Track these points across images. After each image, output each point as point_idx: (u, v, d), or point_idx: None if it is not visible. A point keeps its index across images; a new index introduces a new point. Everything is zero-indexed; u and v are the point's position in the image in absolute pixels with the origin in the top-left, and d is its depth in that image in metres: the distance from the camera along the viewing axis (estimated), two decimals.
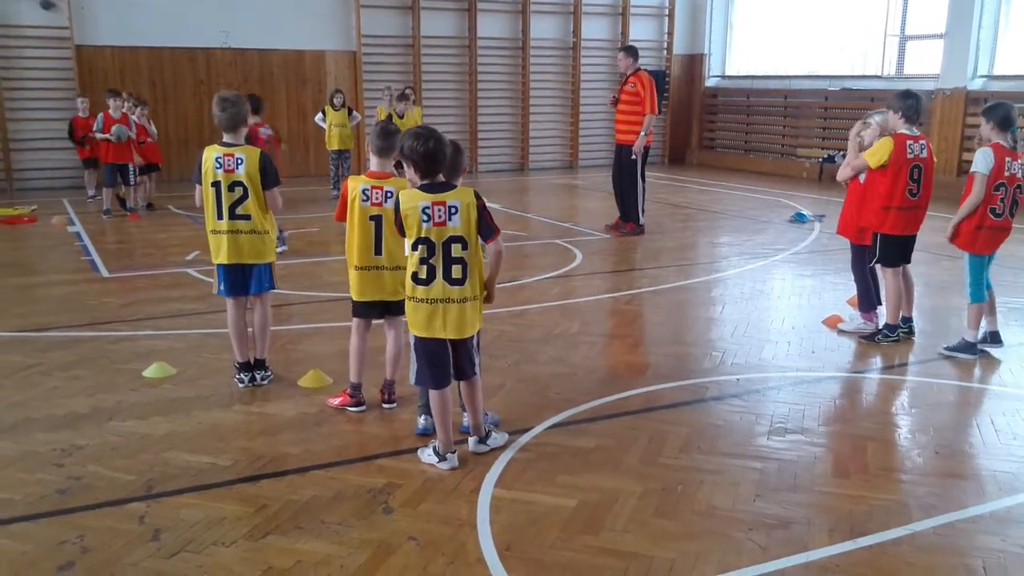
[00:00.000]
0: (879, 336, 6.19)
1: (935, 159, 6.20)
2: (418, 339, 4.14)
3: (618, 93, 10.62)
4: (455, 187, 4.04)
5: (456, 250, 3.99)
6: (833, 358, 5.94)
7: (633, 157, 10.34)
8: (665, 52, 19.09)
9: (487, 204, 4.11)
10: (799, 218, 11.53)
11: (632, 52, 10.53)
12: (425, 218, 3.94)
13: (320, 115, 13.70)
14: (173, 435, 4.57)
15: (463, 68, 17.23)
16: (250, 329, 5.34)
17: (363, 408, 4.90)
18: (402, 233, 4.06)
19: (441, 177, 4.05)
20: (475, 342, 4.30)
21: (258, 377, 5.30)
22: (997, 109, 5.74)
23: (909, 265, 6.26)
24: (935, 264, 8.52)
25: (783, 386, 5.41)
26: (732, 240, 10.35)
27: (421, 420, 4.56)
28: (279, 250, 9.50)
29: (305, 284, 7.86)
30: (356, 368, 4.90)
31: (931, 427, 4.76)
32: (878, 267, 6.23)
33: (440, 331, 4.07)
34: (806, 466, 4.24)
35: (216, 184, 4.99)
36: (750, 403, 5.08)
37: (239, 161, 4.97)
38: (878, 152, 5.92)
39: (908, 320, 6.23)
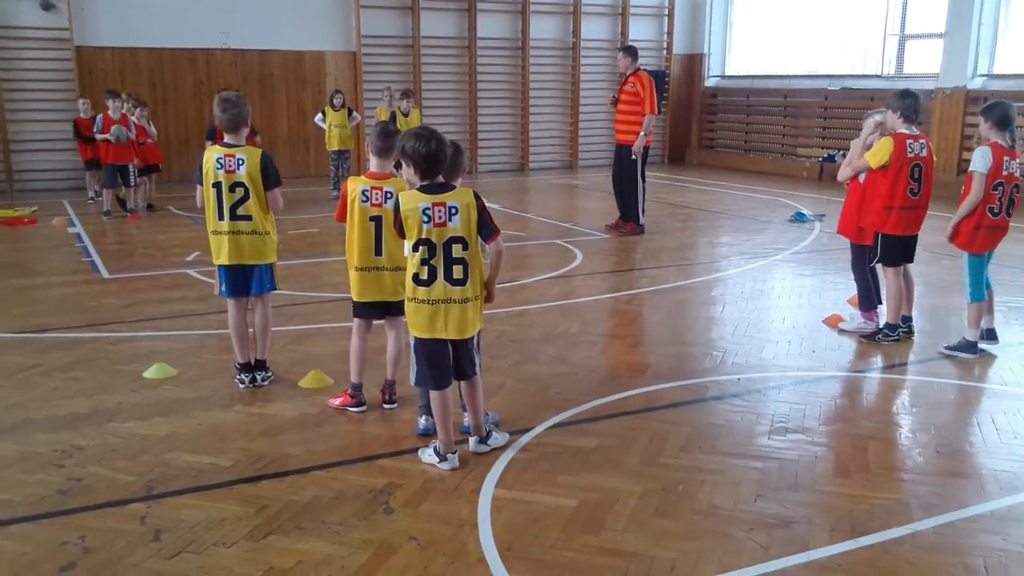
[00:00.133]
0: (880, 335, 6.19)
1: (935, 158, 6.20)
2: (418, 340, 4.14)
3: (618, 93, 10.62)
4: (454, 188, 4.04)
5: (457, 250, 3.99)
6: (834, 357, 5.94)
7: (633, 157, 10.34)
8: (665, 52, 19.09)
9: (486, 204, 4.11)
10: (799, 218, 11.53)
11: (632, 52, 10.53)
12: (426, 219, 3.94)
13: (320, 116, 13.71)
14: (174, 436, 4.57)
15: (463, 68, 17.23)
16: (251, 330, 5.34)
17: (364, 408, 4.90)
18: (401, 235, 4.06)
19: (441, 178, 4.05)
20: (475, 342, 4.30)
21: (259, 378, 5.30)
22: (995, 108, 5.74)
23: (909, 264, 6.26)
24: (935, 263, 8.52)
25: (784, 385, 5.41)
26: (732, 240, 10.35)
27: (422, 420, 4.56)
28: None
29: (306, 285, 7.86)
30: (357, 368, 4.90)
31: (932, 426, 4.76)
32: (879, 266, 6.24)
33: (442, 332, 4.07)
34: (807, 465, 4.24)
35: (217, 185, 4.99)
36: (751, 403, 5.08)
37: (240, 162, 4.97)
38: (878, 152, 5.92)
39: (908, 319, 6.23)
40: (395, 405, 4.93)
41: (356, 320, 4.88)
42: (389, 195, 4.52)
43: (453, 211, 3.96)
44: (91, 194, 13.01)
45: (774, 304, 7.40)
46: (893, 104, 5.99)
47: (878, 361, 5.91)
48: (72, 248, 9.70)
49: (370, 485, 4.01)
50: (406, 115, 13.01)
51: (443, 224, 3.96)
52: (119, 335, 6.38)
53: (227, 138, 5.07)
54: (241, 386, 5.26)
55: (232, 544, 3.50)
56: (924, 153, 5.96)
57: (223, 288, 5.21)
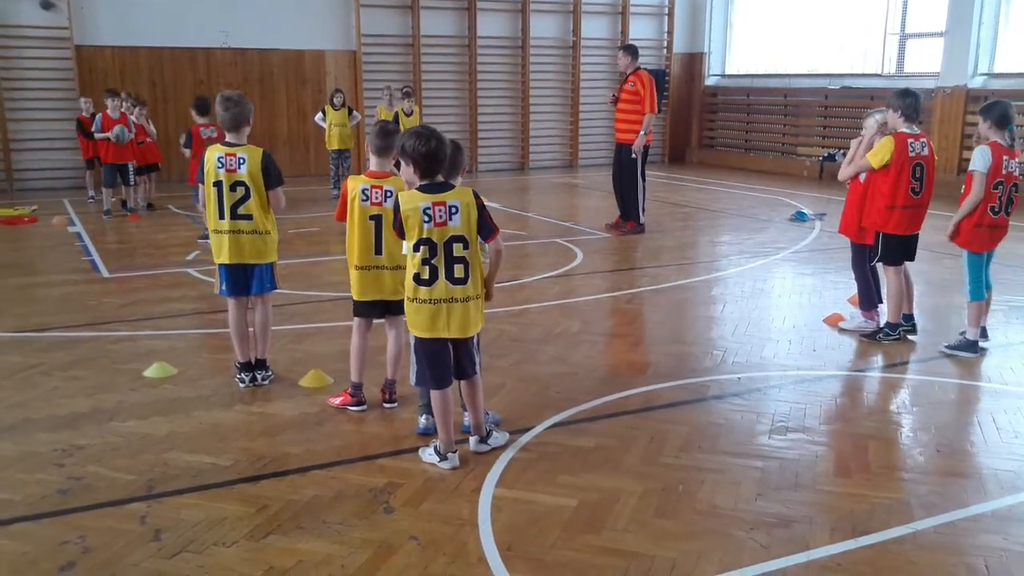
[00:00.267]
0: (880, 334, 6.19)
1: (936, 157, 6.20)
2: (419, 340, 4.14)
3: (618, 92, 10.62)
4: (453, 187, 4.04)
5: (458, 250, 3.98)
6: (834, 356, 5.94)
7: (633, 156, 10.33)
8: (665, 51, 19.09)
9: (485, 204, 4.11)
10: (800, 217, 11.52)
11: (632, 51, 10.53)
12: (426, 219, 3.93)
13: (320, 115, 13.70)
14: (174, 435, 4.57)
15: (463, 67, 17.22)
16: (251, 329, 5.34)
17: (364, 408, 4.90)
18: (401, 235, 4.05)
19: (440, 177, 4.05)
20: (476, 341, 4.30)
21: (259, 377, 5.30)
22: (994, 107, 5.75)
23: (909, 263, 6.26)
24: (936, 263, 8.52)
25: (784, 385, 5.40)
26: (732, 239, 10.35)
27: (422, 420, 4.56)
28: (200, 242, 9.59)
29: (306, 284, 7.86)
30: (357, 368, 4.90)
31: (932, 425, 4.75)
32: (880, 265, 6.23)
33: (444, 331, 4.06)
34: (807, 465, 4.24)
35: (218, 184, 4.99)
36: (751, 402, 5.07)
37: (241, 161, 4.96)
38: (879, 152, 5.92)
39: (909, 317, 6.23)
40: (395, 404, 4.93)
41: (356, 319, 4.88)
42: (389, 194, 4.51)
43: (453, 210, 3.96)
44: (91, 193, 13.00)
45: (774, 303, 7.40)
46: (894, 103, 5.98)
47: (879, 360, 5.91)
48: (72, 247, 9.70)
49: (370, 484, 4.01)
50: (409, 115, 13.04)
51: (444, 223, 3.95)
52: (119, 334, 6.38)
53: (229, 137, 5.07)
54: (241, 385, 5.26)
55: (232, 544, 3.50)
56: (925, 152, 5.96)
57: (223, 287, 5.21)
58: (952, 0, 14.09)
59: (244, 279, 5.17)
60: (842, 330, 6.47)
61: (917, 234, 6.16)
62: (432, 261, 3.99)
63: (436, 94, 16.95)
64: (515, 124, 18.03)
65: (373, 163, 4.71)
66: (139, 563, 3.36)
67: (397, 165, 4.39)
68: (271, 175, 5.04)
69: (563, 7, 17.81)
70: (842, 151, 14.53)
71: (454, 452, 4.19)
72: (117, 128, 11.33)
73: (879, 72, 16.07)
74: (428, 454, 4.24)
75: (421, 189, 3.99)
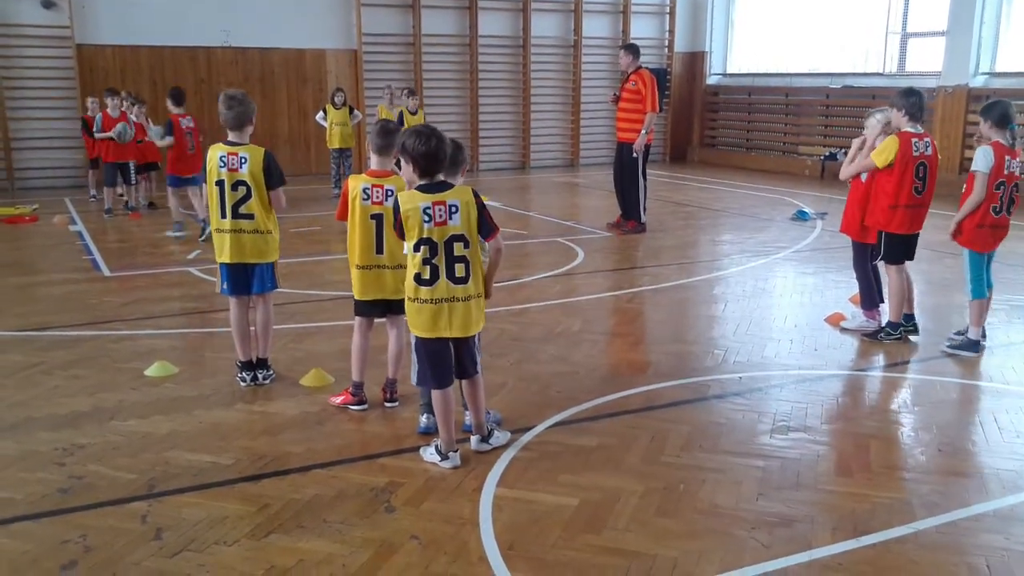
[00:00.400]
0: (882, 334, 6.19)
1: (939, 157, 6.20)
2: (420, 340, 4.13)
3: (619, 91, 10.61)
4: (453, 186, 4.04)
5: (458, 249, 3.98)
6: (835, 356, 5.94)
7: (634, 155, 10.33)
8: (666, 50, 19.07)
9: (485, 203, 4.10)
10: (801, 216, 11.52)
11: (633, 50, 10.52)
12: (426, 218, 3.93)
13: (321, 114, 13.70)
14: (175, 434, 4.57)
15: (464, 66, 17.22)
16: (252, 328, 5.34)
17: (365, 407, 4.89)
18: (401, 236, 4.05)
19: (440, 177, 4.04)
20: (477, 341, 4.29)
21: (260, 376, 5.30)
22: (994, 107, 5.75)
23: (910, 263, 6.25)
24: (937, 262, 8.51)
25: (785, 384, 5.40)
26: (734, 238, 10.34)
27: (423, 419, 4.56)
28: (178, 235, 9.76)
29: (307, 283, 7.86)
30: (358, 367, 4.89)
31: (934, 425, 4.75)
32: (881, 264, 6.23)
33: (445, 330, 4.06)
34: (809, 464, 4.23)
35: (220, 183, 4.99)
36: (752, 401, 5.07)
37: (243, 160, 4.96)
38: (884, 152, 5.91)
39: (910, 318, 6.22)
40: (396, 403, 4.93)
41: (357, 318, 4.88)
42: (390, 193, 4.51)
43: (453, 209, 3.95)
44: (92, 192, 13.00)
45: (776, 302, 7.39)
46: (898, 103, 5.97)
47: (880, 360, 5.90)
48: (73, 246, 9.70)
49: (371, 484, 4.01)
50: (414, 113, 13.07)
51: (444, 223, 3.95)
52: (120, 333, 6.38)
53: (231, 136, 5.06)
54: (242, 384, 5.26)
55: (233, 543, 3.49)
56: (929, 152, 5.95)
57: (224, 286, 5.21)
58: None
59: (245, 278, 5.17)
60: (843, 329, 6.46)
61: (918, 233, 6.16)
62: (433, 261, 3.98)
63: (437, 93, 16.95)
64: (516, 123, 18.02)
65: (374, 162, 4.71)
66: (140, 562, 3.36)
67: (399, 164, 4.38)
68: (272, 175, 5.03)
69: (564, 6, 17.80)
70: (843, 150, 14.51)
71: (455, 451, 4.19)
72: (119, 126, 11.33)
73: (880, 71, 16.05)
74: (429, 453, 4.24)
75: (421, 189, 3.99)
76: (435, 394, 4.20)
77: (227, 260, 5.10)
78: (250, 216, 5.03)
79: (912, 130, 5.93)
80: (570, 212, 12.62)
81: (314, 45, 15.98)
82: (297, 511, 3.75)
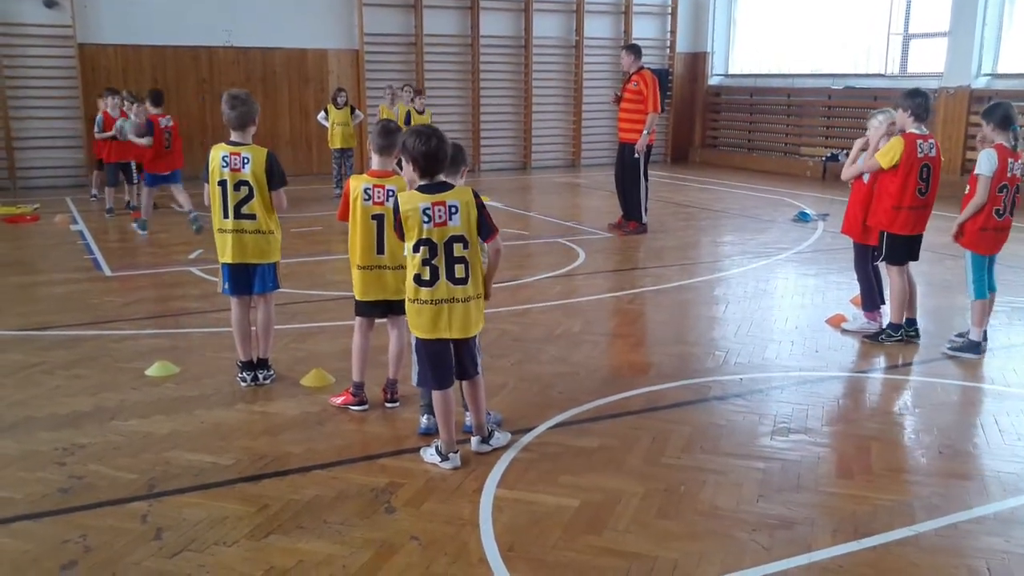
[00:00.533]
0: (883, 336, 6.18)
1: (942, 158, 6.19)
2: (421, 341, 4.13)
3: (621, 91, 10.61)
4: (453, 187, 4.04)
5: (458, 249, 3.98)
6: (836, 358, 5.93)
7: (636, 156, 10.32)
8: (668, 50, 19.06)
9: (485, 203, 4.10)
10: (803, 217, 11.51)
11: (635, 50, 10.51)
12: (426, 219, 3.93)
13: (323, 114, 13.70)
14: (175, 434, 4.57)
15: (465, 66, 17.21)
16: (253, 328, 5.34)
17: (366, 407, 4.89)
18: (401, 236, 4.05)
19: (440, 177, 4.04)
20: (477, 341, 4.29)
21: (261, 376, 5.30)
22: (996, 109, 5.74)
23: (910, 264, 6.24)
24: (938, 263, 8.50)
25: (786, 386, 5.40)
26: (735, 239, 10.34)
27: (423, 419, 4.56)
28: (196, 228, 9.90)
29: (308, 283, 7.86)
30: (359, 367, 4.89)
31: (935, 427, 4.75)
32: (883, 266, 6.22)
33: (445, 331, 4.05)
34: (809, 466, 4.23)
35: (222, 183, 4.99)
36: (753, 403, 5.07)
37: (245, 160, 4.96)
38: (889, 153, 5.90)
39: (912, 322, 6.21)
40: (397, 404, 4.93)
41: (358, 319, 4.88)
42: (391, 193, 4.50)
43: (453, 210, 3.95)
44: (93, 191, 13.00)
45: (777, 304, 7.39)
46: (903, 103, 5.96)
47: (881, 361, 5.90)
48: (74, 246, 9.70)
49: (372, 484, 4.00)
50: (421, 112, 13.07)
51: (443, 223, 3.95)
52: (121, 333, 6.38)
53: (233, 136, 5.07)
54: (243, 384, 5.26)
55: (233, 543, 3.50)
56: (933, 153, 5.95)
57: (226, 286, 5.21)
58: (955, 0, 14.07)
59: (246, 278, 5.17)
60: (844, 331, 6.46)
61: (921, 234, 6.15)
62: (433, 261, 3.98)
63: (439, 93, 16.92)
64: (518, 123, 18.01)
65: (375, 162, 4.71)
66: (140, 562, 3.36)
67: (400, 164, 4.38)
68: (274, 176, 5.03)
69: (566, 6, 17.79)
70: (845, 151, 14.49)
71: (455, 452, 4.19)
72: (119, 122, 11.33)
73: (883, 72, 16.04)
74: (430, 454, 4.24)
75: (421, 189, 3.99)
76: (435, 395, 4.20)
77: (229, 260, 5.11)
78: (252, 216, 5.03)
79: (917, 131, 5.92)
80: (571, 213, 12.62)
81: (316, 45, 15.98)
82: (297, 511, 3.75)
